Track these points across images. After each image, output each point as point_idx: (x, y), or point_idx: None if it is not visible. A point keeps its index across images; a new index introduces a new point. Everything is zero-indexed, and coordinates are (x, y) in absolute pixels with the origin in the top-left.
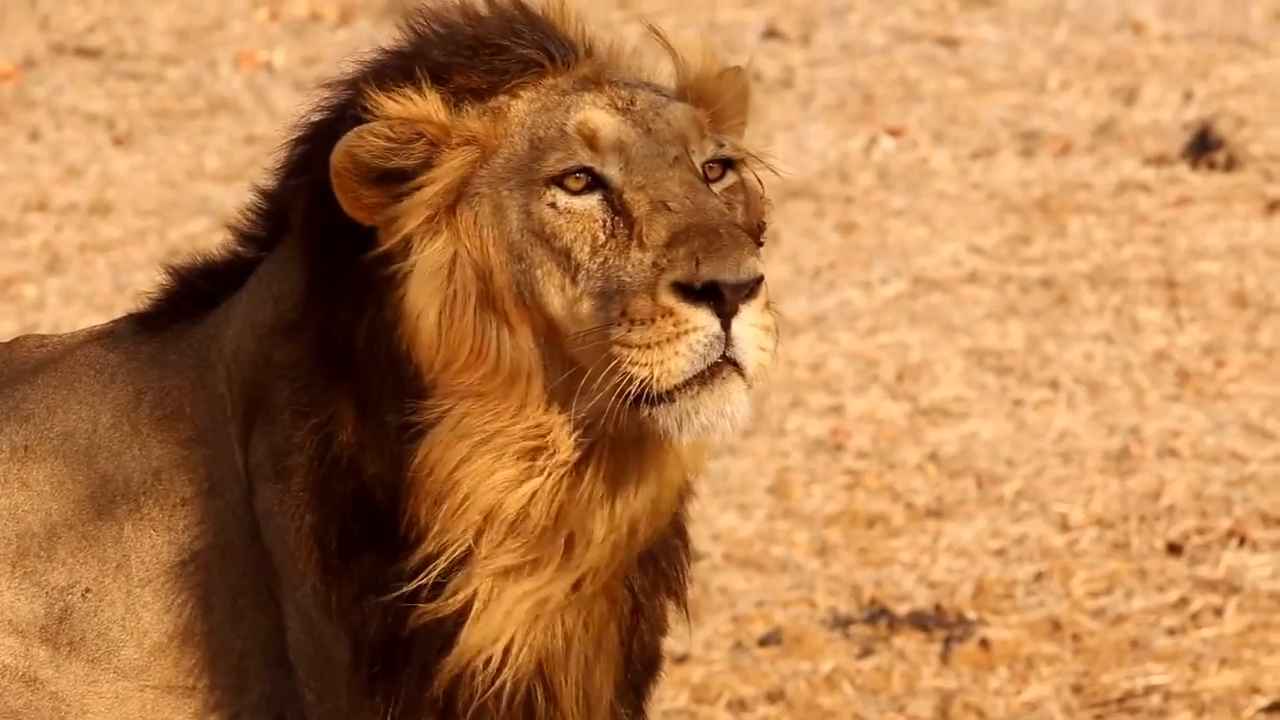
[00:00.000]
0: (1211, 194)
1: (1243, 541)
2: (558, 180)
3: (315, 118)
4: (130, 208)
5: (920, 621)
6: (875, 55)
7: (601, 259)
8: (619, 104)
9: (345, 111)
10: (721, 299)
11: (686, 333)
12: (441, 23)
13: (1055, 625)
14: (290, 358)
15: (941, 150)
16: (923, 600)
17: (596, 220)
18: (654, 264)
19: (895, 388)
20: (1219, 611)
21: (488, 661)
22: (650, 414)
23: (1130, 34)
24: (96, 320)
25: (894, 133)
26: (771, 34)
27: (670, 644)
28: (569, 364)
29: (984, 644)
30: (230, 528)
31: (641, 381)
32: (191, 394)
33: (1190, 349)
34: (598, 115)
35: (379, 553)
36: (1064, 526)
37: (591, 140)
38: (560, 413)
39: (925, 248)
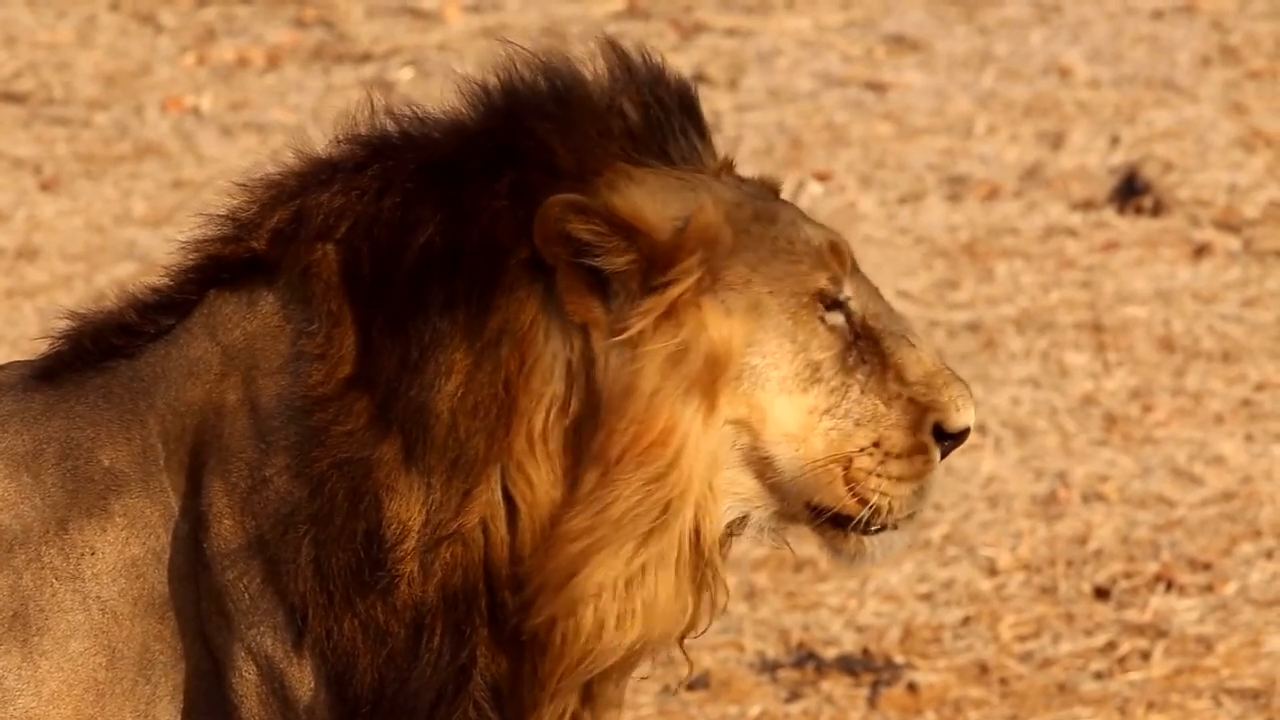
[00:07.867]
0: (1138, 238)
1: (1170, 586)
2: (822, 297)
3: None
4: (57, 252)
5: (848, 665)
6: (802, 100)
7: (849, 381)
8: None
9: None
10: (949, 443)
11: (929, 472)
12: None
13: (983, 669)
14: (325, 394)
15: (869, 195)
16: (850, 644)
17: (844, 340)
18: (911, 400)
19: None
20: (1146, 655)
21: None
22: (857, 539)
23: (1057, 79)
24: None
25: (821, 177)
26: (699, 79)
27: None
28: (756, 461)
29: (911, 688)
30: (149, 575)
31: (881, 511)
32: (111, 446)
33: (1117, 393)
34: (835, 235)
35: (382, 594)
36: (991, 571)
37: (842, 262)
38: (714, 501)
39: None
